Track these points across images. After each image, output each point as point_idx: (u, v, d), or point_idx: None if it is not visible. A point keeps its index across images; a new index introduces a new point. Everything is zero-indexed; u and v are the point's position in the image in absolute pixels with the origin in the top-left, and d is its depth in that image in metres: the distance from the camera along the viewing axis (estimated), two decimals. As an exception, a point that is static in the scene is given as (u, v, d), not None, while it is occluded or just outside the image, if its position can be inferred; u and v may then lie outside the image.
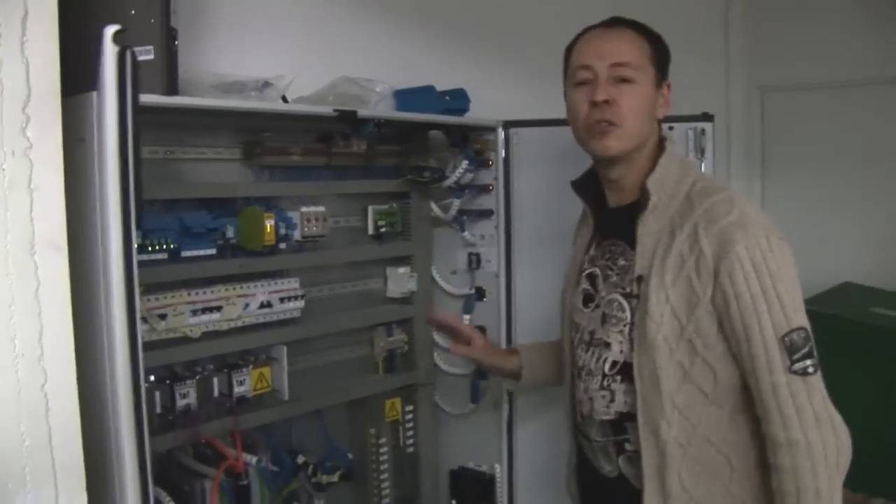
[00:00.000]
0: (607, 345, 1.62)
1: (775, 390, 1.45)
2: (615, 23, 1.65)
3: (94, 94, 1.46)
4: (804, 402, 1.44)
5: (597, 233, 1.72)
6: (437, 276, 2.41)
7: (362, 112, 1.94)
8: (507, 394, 2.28)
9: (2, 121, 1.25)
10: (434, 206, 2.35)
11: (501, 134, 2.29)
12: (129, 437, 1.34)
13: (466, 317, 2.33)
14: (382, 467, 2.28)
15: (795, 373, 1.44)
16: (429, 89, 2.21)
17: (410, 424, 2.37)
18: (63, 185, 1.32)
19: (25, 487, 1.32)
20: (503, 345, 2.27)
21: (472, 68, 2.49)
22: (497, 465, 2.32)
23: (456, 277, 2.39)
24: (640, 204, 1.60)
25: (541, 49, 2.70)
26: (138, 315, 1.28)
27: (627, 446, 1.62)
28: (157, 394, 1.79)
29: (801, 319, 1.47)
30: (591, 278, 1.69)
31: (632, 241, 1.59)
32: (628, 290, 1.59)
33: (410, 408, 2.36)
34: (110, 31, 1.17)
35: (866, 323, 2.95)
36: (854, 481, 2.69)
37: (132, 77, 1.16)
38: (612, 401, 1.62)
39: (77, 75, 1.33)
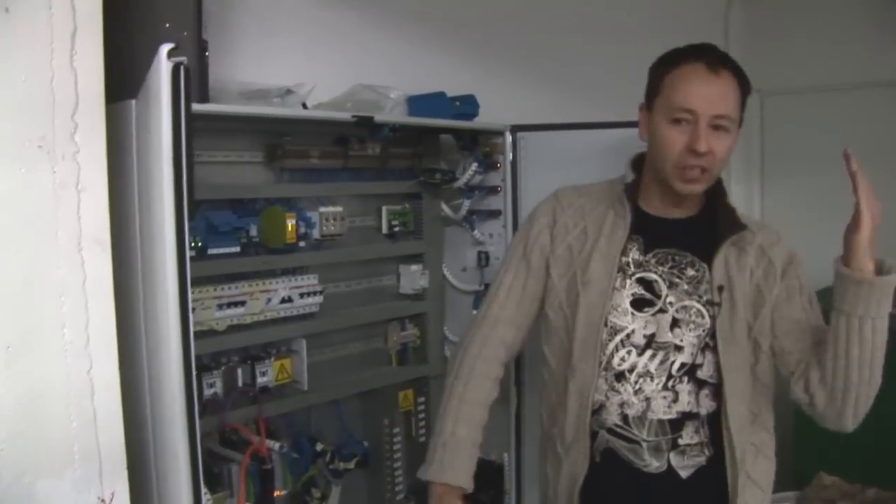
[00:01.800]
0: (678, 348, 1.69)
1: None
2: (719, 66, 1.66)
3: (133, 102, 1.58)
4: None
5: (638, 238, 1.75)
6: (447, 274, 2.52)
7: (378, 117, 2.06)
8: (515, 385, 2.39)
9: (53, 127, 1.37)
10: (445, 207, 2.47)
11: (509, 137, 2.40)
12: (181, 422, 1.47)
13: (475, 312, 2.44)
14: (396, 456, 2.39)
15: None
16: (440, 95, 2.32)
17: (422, 415, 2.48)
18: (107, 186, 1.44)
19: (73, 464, 1.43)
20: None
21: (480, 75, 2.61)
22: (505, 455, 2.43)
23: (466, 274, 2.50)
24: (721, 224, 1.74)
25: (546, 57, 2.83)
26: (190, 306, 1.39)
27: (681, 441, 1.70)
28: (186, 383, 1.91)
29: None
30: (647, 283, 1.72)
31: (700, 254, 1.73)
32: (707, 297, 1.71)
33: (422, 399, 2.47)
34: (165, 48, 1.27)
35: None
36: (849, 472, 2.82)
37: (186, 88, 1.27)
38: (676, 401, 1.69)
39: (116, 85, 1.45)
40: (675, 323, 1.70)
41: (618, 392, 1.71)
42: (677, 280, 1.71)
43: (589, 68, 2.77)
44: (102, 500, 1.49)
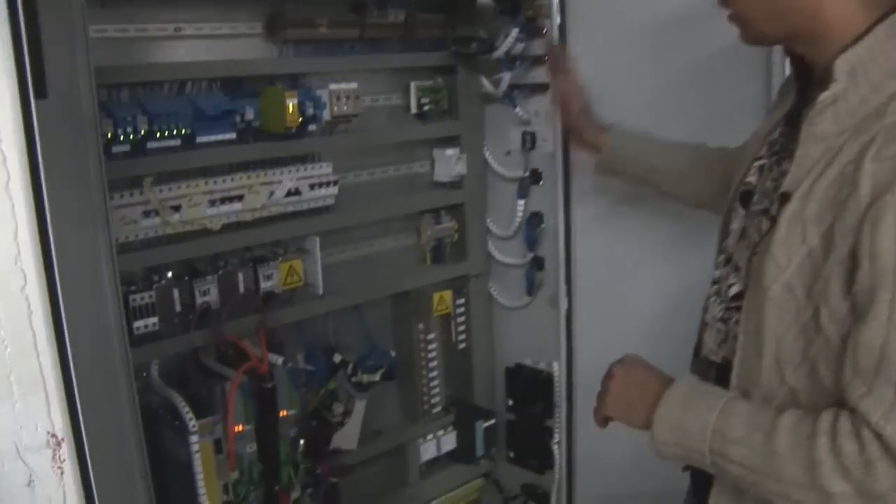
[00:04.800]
0: (737, 269, 1.24)
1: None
2: None
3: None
4: None
5: (792, 112, 1.23)
6: (489, 158, 2.20)
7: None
8: (566, 284, 2.08)
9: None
10: (485, 81, 2.12)
11: (556, -3, 2.01)
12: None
13: (521, 202, 2.13)
14: (431, 364, 2.15)
15: None
16: (473, -53, 1.95)
17: (462, 319, 2.21)
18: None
19: (13, 396, 1.22)
20: (560, 241, 2.06)
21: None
22: (555, 364, 2.15)
23: (510, 159, 2.17)
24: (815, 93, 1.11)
25: None
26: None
27: None
28: (176, 291, 1.67)
29: None
30: (760, 172, 1.25)
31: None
32: (771, 206, 1.17)
33: (462, 301, 2.20)
34: None
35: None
36: None
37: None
38: (725, 340, 1.25)
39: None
40: (743, 232, 1.26)
41: (706, 310, 1.33)
42: (767, 173, 1.24)
43: None
44: (53, 436, 1.29)
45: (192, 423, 1.55)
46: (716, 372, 1.26)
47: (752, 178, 1.27)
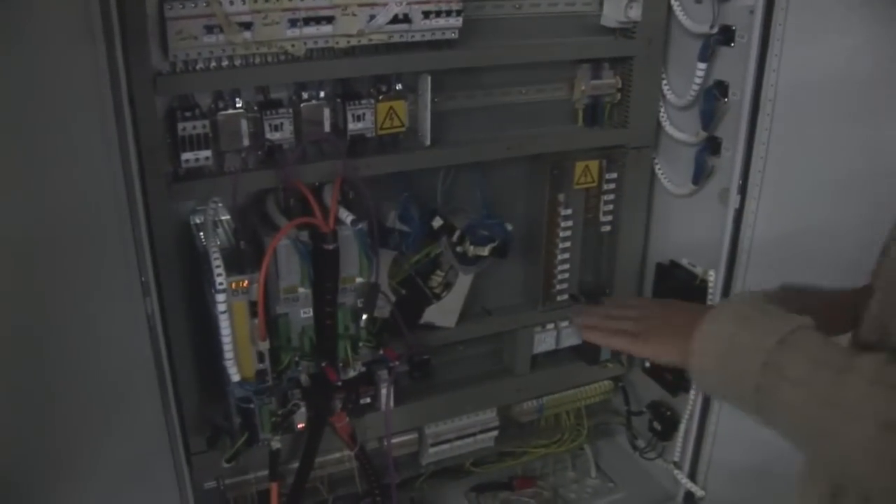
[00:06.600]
0: None
1: None
2: None
3: None
4: None
5: None
6: (675, 4, 1.72)
7: None
8: (740, 180, 1.63)
9: None
10: None
11: None
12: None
13: (701, 66, 1.66)
14: (563, 245, 1.81)
15: None
16: None
17: (611, 196, 1.83)
18: None
19: None
20: (743, 122, 1.58)
21: None
22: (712, 272, 1.73)
23: (699, 9, 1.69)
24: None
25: None
26: None
27: None
28: (244, 123, 1.45)
29: None
30: None
31: None
32: None
33: (613, 175, 1.81)
34: None
35: None
36: None
37: None
38: None
39: None
40: None
41: None
42: None
43: None
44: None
45: (220, 281, 1.35)
46: None
47: None
